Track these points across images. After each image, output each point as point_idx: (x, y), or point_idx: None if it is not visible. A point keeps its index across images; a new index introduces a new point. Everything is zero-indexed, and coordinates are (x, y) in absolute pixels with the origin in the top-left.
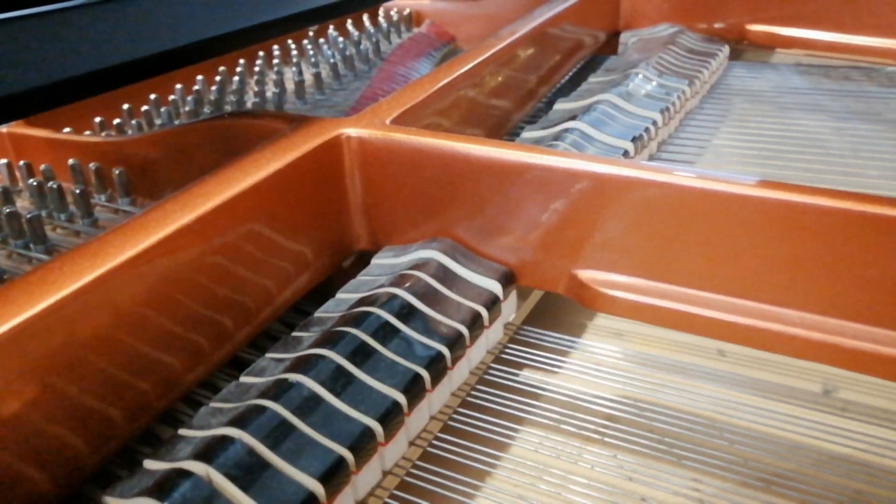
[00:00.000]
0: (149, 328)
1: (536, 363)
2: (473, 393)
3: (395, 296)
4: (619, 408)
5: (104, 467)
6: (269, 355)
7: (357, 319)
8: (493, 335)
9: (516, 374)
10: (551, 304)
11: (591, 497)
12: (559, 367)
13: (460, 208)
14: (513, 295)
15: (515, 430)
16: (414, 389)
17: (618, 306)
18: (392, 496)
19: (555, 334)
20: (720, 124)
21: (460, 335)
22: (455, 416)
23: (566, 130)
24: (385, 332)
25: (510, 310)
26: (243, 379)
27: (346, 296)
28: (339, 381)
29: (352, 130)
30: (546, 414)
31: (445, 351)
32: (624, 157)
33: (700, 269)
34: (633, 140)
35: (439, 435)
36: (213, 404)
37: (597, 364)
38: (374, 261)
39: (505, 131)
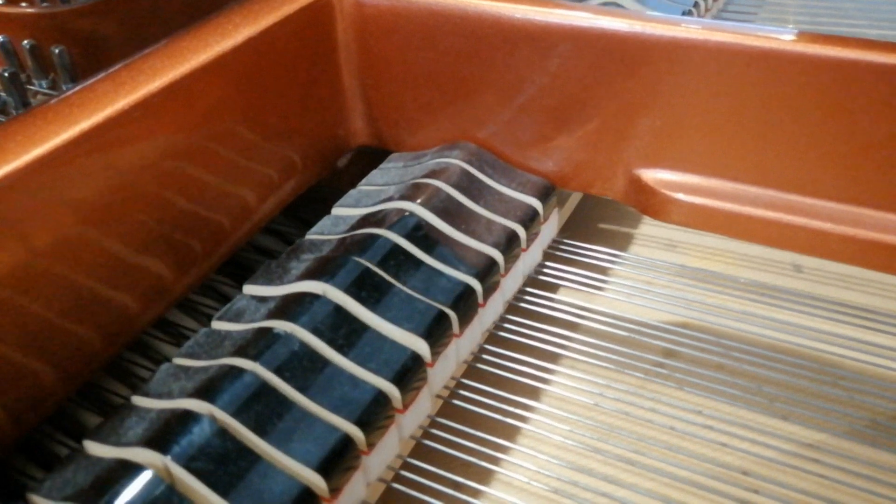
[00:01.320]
0: (84, 253)
1: (574, 284)
2: (500, 324)
3: (407, 212)
4: (676, 339)
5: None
6: (247, 290)
7: (360, 244)
8: (531, 260)
9: (551, 299)
10: (591, 211)
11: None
12: (601, 288)
13: (488, 92)
14: (554, 212)
15: (549, 371)
16: (438, 334)
17: (691, 216)
18: (405, 465)
19: (595, 248)
20: None
21: (493, 263)
22: (480, 353)
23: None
24: (397, 261)
25: (551, 230)
26: (215, 325)
27: (344, 212)
28: (341, 329)
29: None
30: (586, 349)
31: (475, 283)
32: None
33: (798, 164)
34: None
35: (462, 381)
36: (177, 360)
37: (646, 284)
38: (381, 168)
39: None
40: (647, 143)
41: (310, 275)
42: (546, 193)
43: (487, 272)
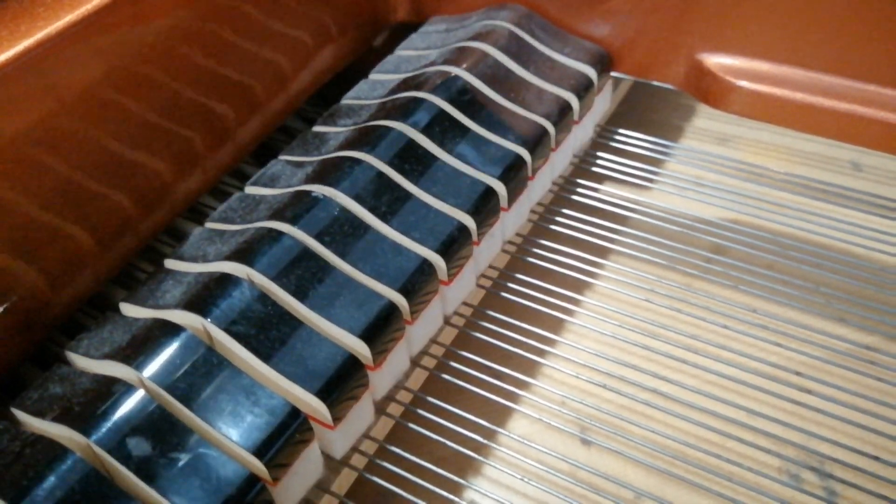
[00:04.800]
0: (113, 120)
1: (623, 175)
2: (548, 216)
3: (452, 76)
4: (727, 235)
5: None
6: (283, 157)
7: (402, 109)
8: (582, 135)
9: (600, 191)
10: (641, 99)
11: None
12: (651, 180)
13: None
14: (608, 85)
15: (597, 265)
16: (485, 209)
17: (758, 105)
18: (447, 353)
19: (645, 137)
20: None
21: (544, 133)
22: (526, 245)
23: None
24: (442, 127)
25: (605, 103)
26: (249, 189)
27: (383, 76)
28: (384, 197)
29: None
30: (635, 243)
31: (525, 154)
32: None
33: (879, 49)
34: None
35: (507, 272)
36: (210, 224)
37: (697, 178)
38: (421, 31)
39: None
40: (712, 22)
41: (351, 144)
42: (601, 61)
43: (538, 143)
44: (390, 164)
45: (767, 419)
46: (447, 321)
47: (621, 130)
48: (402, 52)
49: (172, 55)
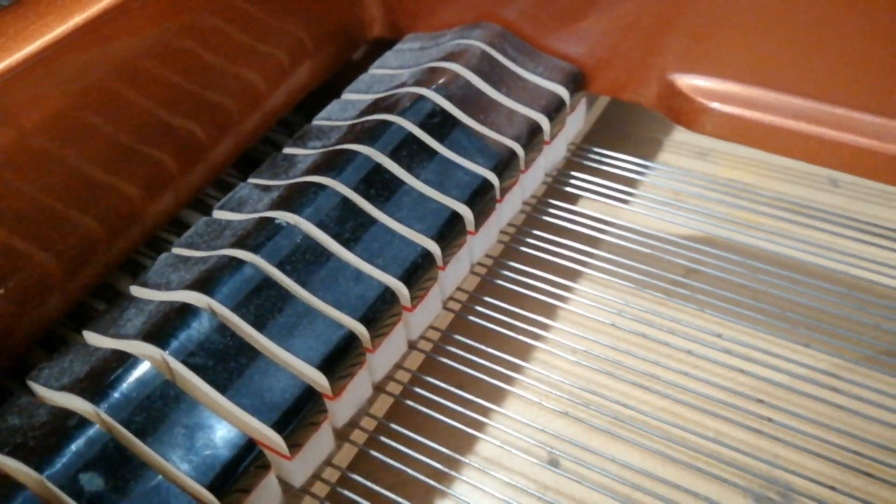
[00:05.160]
0: (83, 140)
1: (597, 196)
2: (519, 237)
3: (422, 98)
4: (699, 258)
5: None
6: (251, 180)
7: (370, 132)
8: (553, 156)
9: (573, 211)
10: (619, 115)
11: (661, 379)
12: (625, 200)
13: None
14: (582, 104)
15: (567, 288)
16: (451, 233)
17: (728, 127)
18: (414, 379)
19: (622, 156)
20: None
21: (513, 155)
22: (496, 268)
23: None
24: (410, 151)
25: (577, 123)
26: (216, 214)
27: (355, 97)
28: (348, 223)
29: None
30: (606, 266)
31: (493, 178)
32: None
33: (851, 73)
34: None
35: (476, 295)
36: (176, 250)
37: (673, 197)
38: (395, 49)
39: None
40: (685, 43)
41: (317, 169)
42: (574, 80)
43: (506, 165)
44: (356, 189)
45: (727, 447)
46: (413, 346)
47: (596, 149)
48: (376, 70)
49: (146, 74)
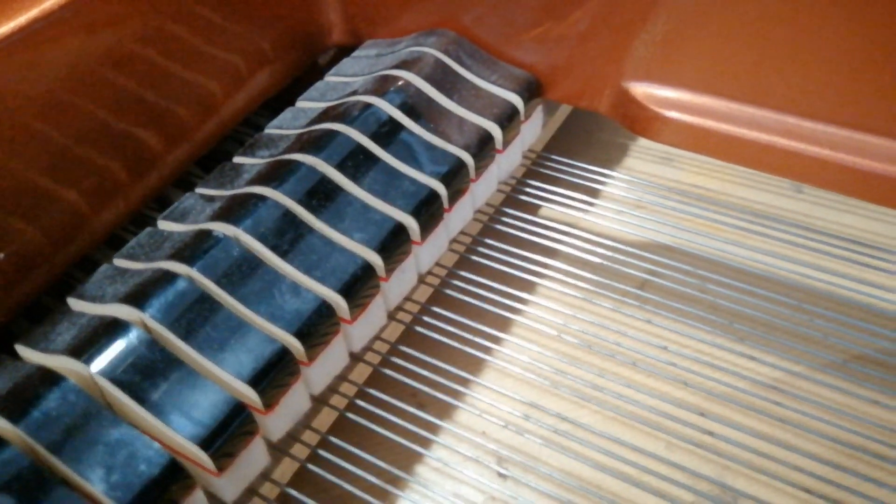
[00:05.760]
0: (31, 149)
1: (556, 205)
2: (473, 247)
3: (371, 107)
4: (654, 269)
5: None
6: (199, 190)
7: (317, 142)
8: (507, 164)
9: (530, 221)
10: (586, 117)
11: (604, 391)
12: (584, 210)
13: None
14: (538, 111)
15: (520, 300)
16: (394, 244)
17: (682, 135)
18: (360, 393)
19: (582, 165)
20: None
21: (461, 165)
22: (448, 278)
23: None
24: (356, 161)
25: (534, 130)
26: (160, 224)
27: (308, 104)
28: (287, 235)
29: None
30: (560, 277)
31: (440, 187)
32: None
33: (804, 82)
34: None
35: (426, 306)
36: (117, 261)
37: (634, 206)
38: (353, 56)
39: None
40: (639, 52)
41: (261, 179)
42: (528, 88)
43: (455, 175)
44: (298, 200)
45: (668, 463)
46: (358, 358)
47: (556, 157)
48: (331, 78)
49: (97, 81)
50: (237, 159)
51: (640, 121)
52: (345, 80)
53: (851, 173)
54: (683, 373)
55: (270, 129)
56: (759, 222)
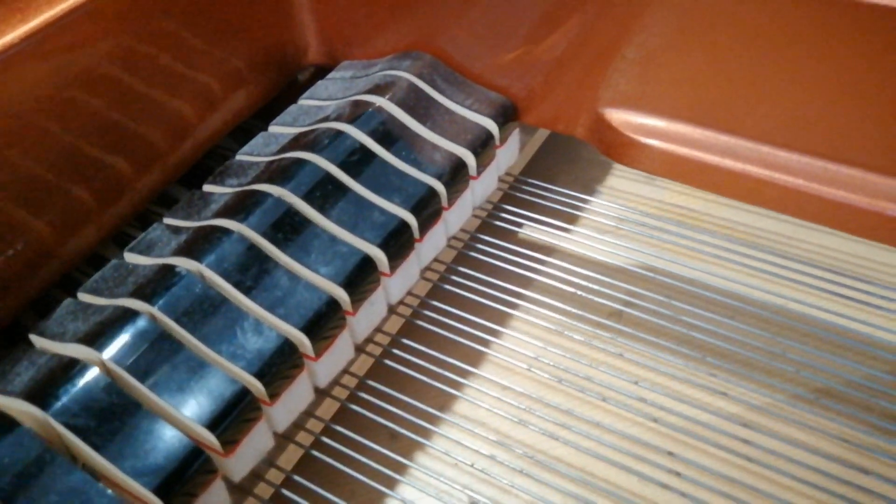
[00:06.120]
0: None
1: (532, 232)
2: (446, 276)
3: (342, 135)
4: (627, 299)
5: None
6: (166, 220)
7: (286, 171)
8: (482, 190)
9: (504, 246)
10: (566, 140)
11: (572, 429)
12: (560, 237)
13: (441, 6)
14: (514, 135)
15: (492, 332)
16: (360, 278)
17: (657, 161)
18: (326, 430)
19: (560, 189)
20: None
21: (432, 194)
22: (420, 308)
23: None
24: (325, 192)
25: (510, 156)
26: (127, 256)
27: (280, 129)
28: (251, 270)
29: None
30: (533, 308)
31: (411, 218)
32: None
33: (784, 113)
34: None
35: (396, 338)
36: (81, 295)
37: (611, 233)
38: (328, 78)
39: None
40: (616, 78)
41: (227, 211)
42: (504, 113)
43: (426, 205)
44: (263, 233)
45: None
46: (325, 393)
47: (533, 180)
48: (304, 101)
49: (67, 106)
50: (206, 188)
51: (616, 147)
52: (318, 103)
53: (822, 202)
54: (653, 409)
55: (241, 156)
56: (738, 249)
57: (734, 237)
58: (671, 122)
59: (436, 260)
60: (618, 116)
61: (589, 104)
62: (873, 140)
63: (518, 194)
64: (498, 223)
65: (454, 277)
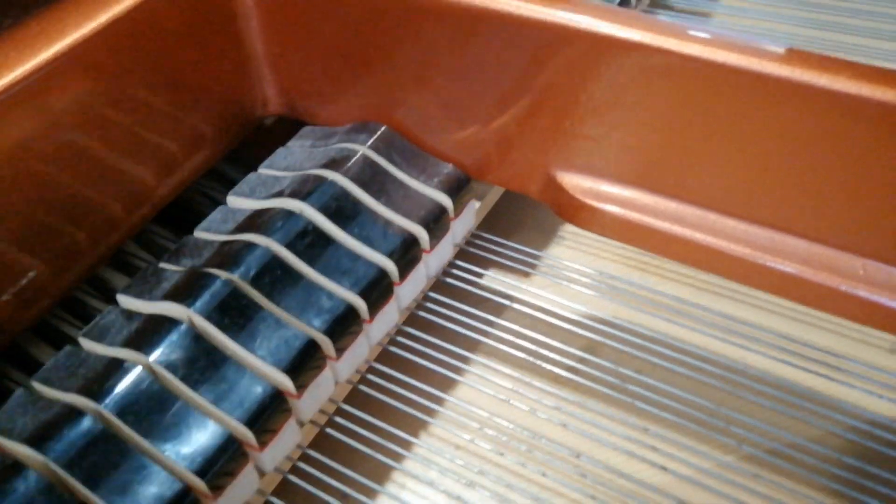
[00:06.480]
0: None
1: (486, 291)
2: (395, 337)
3: (293, 216)
4: (574, 366)
5: None
6: (120, 300)
7: (236, 256)
8: (436, 262)
9: (456, 308)
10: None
11: None
12: (512, 297)
13: (396, 71)
14: (471, 205)
15: (436, 399)
16: (305, 364)
17: (607, 225)
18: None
19: (517, 245)
20: None
21: (383, 276)
22: (367, 373)
23: None
24: (273, 277)
25: (466, 224)
26: (81, 341)
27: (238, 202)
28: (198, 363)
29: None
30: (479, 373)
31: (360, 302)
32: (623, 7)
33: (731, 183)
34: None
35: (342, 406)
36: (34, 384)
37: (561, 292)
38: (288, 146)
39: None
40: (567, 144)
41: (176, 294)
42: (458, 187)
43: (376, 286)
44: (210, 318)
45: None
46: (278, 470)
47: (492, 236)
48: (263, 170)
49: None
50: (162, 264)
51: (567, 209)
52: (276, 174)
53: (766, 271)
54: (592, 485)
55: (200, 232)
56: (689, 311)
57: (682, 300)
58: (621, 186)
59: None
60: (569, 180)
61: (542, 167)
62: (816, 211)
63: (471, 250)
64: (449, 281)
65: (402, 340)
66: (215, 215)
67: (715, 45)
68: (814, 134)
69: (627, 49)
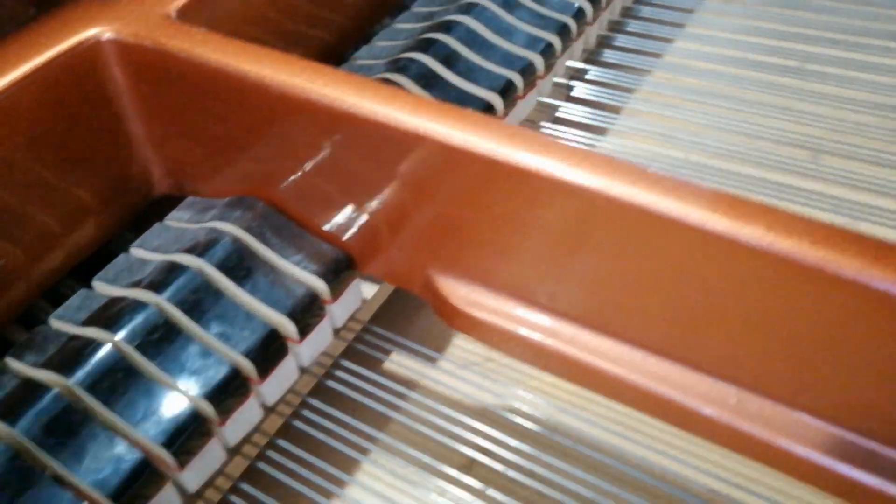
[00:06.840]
0: None
1: (369, 399)
2: (267, 453)
3: (144, 309)
4: (477, 459)
5: None
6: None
7: (77, 355)
8: (310, 350)
9: (334, 418)
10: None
11: None
12: (398, 407)
13: (272, 160)
14: (354, 285)
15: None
16: (140, 489)
17: (484, 332)
18: None
19: (409, 343)
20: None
21: (234, 375)
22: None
23: (404, 64)
24: (113, 382)
25: (348, 306)
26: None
27: (101, 288)
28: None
29: (114, 30)
30: (352, 495)
31: (208, 407)
32: (489, 114)
33: (600, 300)
34: (504, 91)
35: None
36: None
37: (455, 407)
38: (165, 220)
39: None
40: (446, 245)
41: (10, 401)
42: (336, 269)
43: (227, 387)
44: (34, 438)
45: None
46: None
47: (380, 330)
48: (134, 251)
49: None
50: (8, 358)
51: (441, 309)
52: (144, 256)
53: (644, 394)
54: None
55: (55, 321)
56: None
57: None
58: (496, 296)
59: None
60: (447, 285)
61: (422, 267)
62: (685, 336)
63: (360, 347)
64: (331, 384)
65: (270, 453)
66: (73, 301)
67: (574, 164)
68: (679, 262)
69: (474, 161)
